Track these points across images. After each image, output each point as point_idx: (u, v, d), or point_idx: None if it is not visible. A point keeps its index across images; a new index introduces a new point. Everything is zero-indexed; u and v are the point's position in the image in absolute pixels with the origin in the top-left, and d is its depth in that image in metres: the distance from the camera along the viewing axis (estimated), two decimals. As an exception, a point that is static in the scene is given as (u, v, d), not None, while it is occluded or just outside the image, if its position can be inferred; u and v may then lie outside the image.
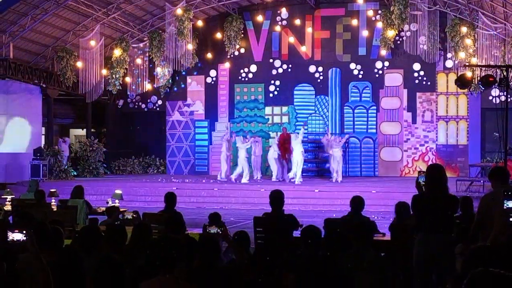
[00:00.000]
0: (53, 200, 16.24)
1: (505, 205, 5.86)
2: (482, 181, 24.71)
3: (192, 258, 7.03)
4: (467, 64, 27.18)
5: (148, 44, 32.27)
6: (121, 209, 13.89)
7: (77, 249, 7.21)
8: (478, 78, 23.47)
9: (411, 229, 8.61)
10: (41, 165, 28.46)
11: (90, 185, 25.46)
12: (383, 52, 30.34)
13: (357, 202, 11.25)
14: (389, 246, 9.96)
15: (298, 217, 10.89)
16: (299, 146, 27.16)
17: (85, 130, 35.16)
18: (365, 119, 31.48)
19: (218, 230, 7.88)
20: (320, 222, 11.22)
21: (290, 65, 32.23)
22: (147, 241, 7.57)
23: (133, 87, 33.12)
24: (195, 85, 33.37)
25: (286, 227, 10.30)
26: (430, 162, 29.44)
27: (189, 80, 33.36)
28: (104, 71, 30.92)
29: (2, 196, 17.15)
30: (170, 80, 32.94)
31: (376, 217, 17.17)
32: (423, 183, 8.32)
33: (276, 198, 10.64)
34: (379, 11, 30.31)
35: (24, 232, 5.79)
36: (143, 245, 7.48)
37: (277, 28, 32.18)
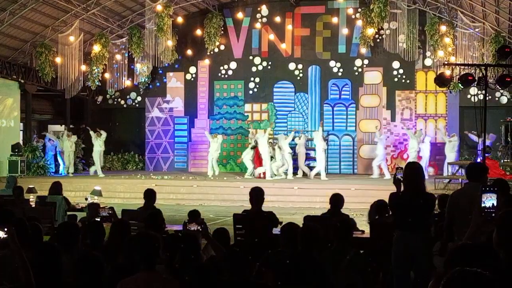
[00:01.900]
0: (31, 196, 16.16)
1: (482, 203, 5.88)
2: (460, 180, 24.83)
3: (172, 255, 7.02)
4: (446, 62, 27.33)
5: (127, 40, 32.16)
6: (101, 206, 13.83)
7: (56, 245, 7.17)
8: (457, 76, 23.57)
9: (391, 226, 8.64)
10: (19, 161, 28.29)
11: (69, 181, 25.36)
12: (363, 50, 30.45)
13: (337, 200, 11.28)
14: (368, 243, 9.99)
15: (277, 214, 10.91)
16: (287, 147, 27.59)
17: (63, 126, 34.96)
18: (345, 116, 31.56)
19: (198, 228, 7.88)
20: (300, 219, 11.26)
21: (270, 62, 32.25)
22: (126, 238, 7.54)
23: (113, 83, 33.00)
24: (174, 82, 33.29)
25: (265, 224, 10.31)
26: (408, 160, 29.58)
27: (168, 76, 33.27)
28: (83, 67, 30.76)
29: (-20, 192, 17.02)
30: (150, 77, 32.84)
31: (355, 215, 17.19)
32: (401, 178, 8.35)
33: (256, 195, 10.63)
34: (359, 9, 30.39)
35: (6, 229, 5.75)
36: (121, 242, 7.45)
37: (257, 25, 32.19)
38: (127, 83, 32.93)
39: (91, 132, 29.53)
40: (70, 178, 27.85)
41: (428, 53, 30.11)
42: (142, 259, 6.05)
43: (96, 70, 31.31)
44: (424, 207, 8.25)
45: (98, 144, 29.12)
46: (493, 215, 5.76)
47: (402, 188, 8.43)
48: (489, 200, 5.82)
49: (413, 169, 8.47)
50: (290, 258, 6.35)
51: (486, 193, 5.88)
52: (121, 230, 8.11)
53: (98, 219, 11.51)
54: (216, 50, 32.43)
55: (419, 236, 8.15)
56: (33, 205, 14.85)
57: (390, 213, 9.41)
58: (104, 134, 29.38)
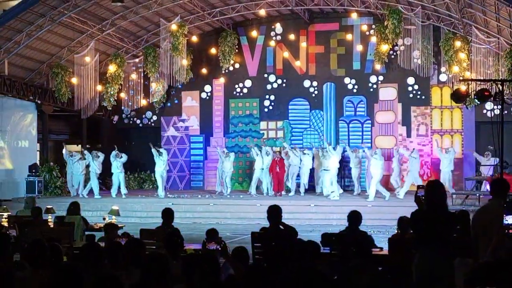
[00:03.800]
0: (49, 217, 16.22)
1: (504, 220, 5.88)
2: (477, 194, 24.75)
3: (191, 274, 7.03)
4: (461, 78, 27.27)
5: (143, 59, 32.31)
6: (119, 226, 13.86)
7: (77, 266, 7.20)
8: (473, 92, 23.53)
9: (411, 243, 8.61)
10: (36, 181, 28.40)
11: (86, 201, 25.44)
12: (378, 66, 30.42)
13: (354, 217, 11.27)
14: (387, 260, 9.97)
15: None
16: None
17: (80, 146, 35.10)
18: (360, 133, 31.52)
19: (218, 247, 7.89)
20: (317, 237, 11.25)
21: (284, 80, 32.30)
22: (141, 257, 7.55)
23: (128, 102, 33.16)
24: (190, 101, 33.39)
25: (285, 240, 10.28)
26: (425, 176, 29.51)
27: (184, 95, 33.38)
28: (99, 87, 30.91)
29: (-2, 213, 17.12)
30: (165, 96, 32.96)
31: (372, 231, 17.18)
32: (423, 198, 8.33)
33: (274, 212, 10.65)
34: (373, 26, 30.40)
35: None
36: (137, 261, 7.47)
37: (272, 43, 32.28)
38: (143, 102, 33.06)
39: (88, 152, 29.36)
40: (88, 198, 27.88)
41: (443, 69, 30.05)
42: (155, 278, 6.08)
43: (111, 90, 31.45)
44: (445, 225, 8.21)
45: (95, 165, 28.82)
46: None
47: (423, 206, 8.40)
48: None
49: (435, 188, 8.41)
50: (310, 276, 6.34)
51: (509, 210, 5.88)
52: (135, 249, 8.11)
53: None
54: (231, 68, 32.53)
55: (441, 255, 8.11)
56: (52, 226, 14.90)
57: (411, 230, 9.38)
58: (101, 157, 29.00)
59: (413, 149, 28.31)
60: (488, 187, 26.99)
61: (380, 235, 17.72)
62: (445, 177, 26.89)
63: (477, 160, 28.59)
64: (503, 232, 5.86)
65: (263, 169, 28.46)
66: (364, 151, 28.81)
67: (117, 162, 28.55)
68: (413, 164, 27.07)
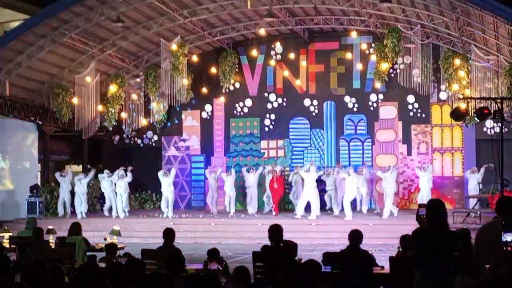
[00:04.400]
0: (51, 238, 16.23)
1: (503, 237, 5.89)
2: (478, 213, 24.75)
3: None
4: (461, 96, 27.33)
5: (143, 79, 32.41)
6: (119, 246, 13.87)
7: (78, 287, 7.21)
8: (473, 110, 23.58)
9: (412, 262, 8.61)
10: (37, 202, 28.37)
11: (87, 222, 25.42)
12: (377, 85, 30.51)
13: (356, 236, 11.29)
14: (388, 279, 9.98)
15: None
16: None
17: (81, 166, 35.13)
18: (361, 151, 31.56)
19: (219, 266, 7.91)
20: (318, 256, 11.25)
21: (285, 99, 32.37)
22: (142, 277, 7.55)
23: (129, 122, 33.23)
24: (190, 120, 33.45)
25: (285, 257, 10.30)
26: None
27: (184, 115, 33.44)
28: (100, 107, 30.96)
29: (0, 234, 17.13)
30: (166, 116, 33.02)
31: (374, 250, 17.16)
32: (424, 217, 8.33)
33: (275, 231, 10.67)
34: (373, 45, 30.51)
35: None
36: (137, 282, 7.47)
37: (272, 62, 32.38)
38: (144, 122, 33.13)
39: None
40: (89, 218, 27.83)
41: (442, 87, 30.12)
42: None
43: (112, 110, 31.51)
44: (446, 244, 8.21)
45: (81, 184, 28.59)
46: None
47: (424, 225, 8.40)
48: (511, 235, 5.83)
49: (436, 206, 8.40)
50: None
51: (508, 227, 5.89)
52: (135, 269, 8.10)
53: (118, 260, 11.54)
54: (231, 87, 32.61)
55: (442, 274, 8.10)
56: (53, 246, 14.91)
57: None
58: (89, 175, 28.96)
59: (389, 166, 28.23)
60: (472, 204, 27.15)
61: (382, 254, 17.69)
62: (424, 194, 26.92)
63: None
64: (502, 250, 5.87)
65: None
66: (366, 167, 28.90)
67: (122, 182, 28.42)
68: (389, 183, 27.08)
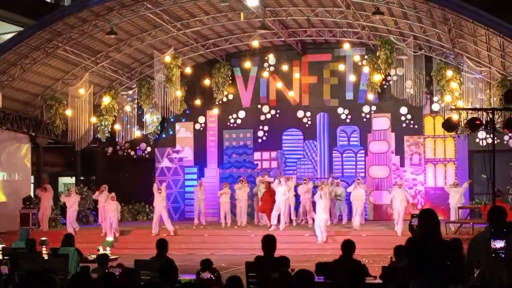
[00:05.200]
0: (44, 249, 16.22)
1: (492, 244, 5.94)
2: (471, 223, 24.80)
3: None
4: (453, 107, 27.45)
5: (137, 91, 32.46)
6: (112, 257, 13.87)
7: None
8: (465, 121, 23.68)
9: (405, 272, 8.64)
10: (30, 213, 28.34)
11: (80, 233, 25.39)
12: (370, 96, 30.62)
13: (348, 246, 11.30)
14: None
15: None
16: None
17: (74, 178, 35.09)
18: (354, 163, 31.61)
19: (211, 276, 7.93)
20: (312, 266, 11.26)
21: (278, 111, 32.42)
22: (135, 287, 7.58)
23: (122, 134, 33.23)
24: (184, 132, 33.45)
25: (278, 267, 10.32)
26: (419, 205, 29.57)
27: (178, 126, 33.46)
28: (93, 119, 30.99)
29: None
30: (159, 127, 33.04)
31: (367, 261, 17.16)
32: (416, 227, 8.35)
33: (268, 242, 10.69)
34: (366, 56, 30.62)
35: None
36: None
37: (265, 74, 32.44)
38: (137, 134, 33.14)
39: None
40: (81, 230, 27.78)
41: (435, 98, 30.24)
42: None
43: (106, 122, 31.53)
44: (439, 253, 8.23)
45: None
46: (503, 256, 5.82)
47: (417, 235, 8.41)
48: (499, 242, 5.88)
49: (428, 216, 8.42)
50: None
51: (496, 235, 5.94)
52: (129, 279, 8.13)
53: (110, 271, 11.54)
54: (225, 99, 32.67)
55: (435, 283, 8.13)
56: (46, 257, 14.90)
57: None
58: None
59: (359, 177, 28.39)
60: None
61: (375, 264, 17.71)
62: (400, 210, 25.84)
63: (471, 189, 28.70)
64: (493, 258, 5.92)
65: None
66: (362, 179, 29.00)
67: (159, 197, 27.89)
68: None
